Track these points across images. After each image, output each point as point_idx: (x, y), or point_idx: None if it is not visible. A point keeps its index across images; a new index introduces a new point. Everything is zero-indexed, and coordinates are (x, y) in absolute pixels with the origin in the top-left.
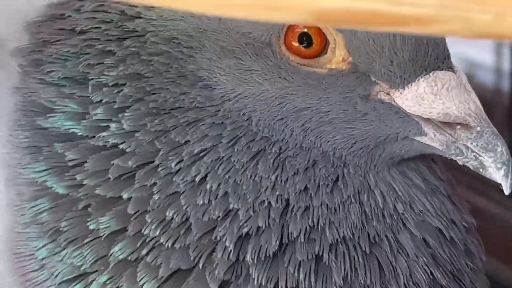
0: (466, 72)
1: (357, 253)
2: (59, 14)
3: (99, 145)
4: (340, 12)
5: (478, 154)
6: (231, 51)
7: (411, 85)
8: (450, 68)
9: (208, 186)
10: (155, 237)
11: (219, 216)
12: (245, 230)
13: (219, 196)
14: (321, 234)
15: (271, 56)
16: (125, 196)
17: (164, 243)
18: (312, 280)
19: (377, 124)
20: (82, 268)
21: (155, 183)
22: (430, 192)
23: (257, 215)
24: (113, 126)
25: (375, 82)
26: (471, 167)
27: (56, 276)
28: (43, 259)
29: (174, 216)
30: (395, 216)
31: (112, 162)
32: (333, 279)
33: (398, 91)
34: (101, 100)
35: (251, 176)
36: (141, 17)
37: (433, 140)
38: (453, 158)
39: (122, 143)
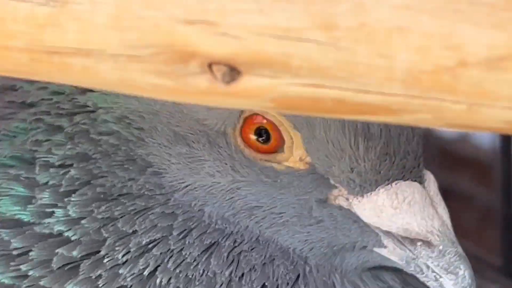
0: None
1: None
2: (10, 85)
3: (45, 233)
4: (304, 99)
5: (438, 274)
6: (183, 137)
7: (371, 194)
8: (419, 177)
9: (158, 281)
10: None
11: None
12: None
13: None
14: None
15: (225, 146)
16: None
17: None
18: None
19: (333, 232)
20: None
21: (100, 275)
22: None
23: None
24: (59, 212)
25: (334, 186)
26: None
27: None
28: None
29: None
30: None
31: (56, 251)
32: None
33: (357, 198)
34: (47, 182)
35: (203, 270)
36: (93, 91)
37: (392, 253)
38: (414, 274)
39: (67, 230)
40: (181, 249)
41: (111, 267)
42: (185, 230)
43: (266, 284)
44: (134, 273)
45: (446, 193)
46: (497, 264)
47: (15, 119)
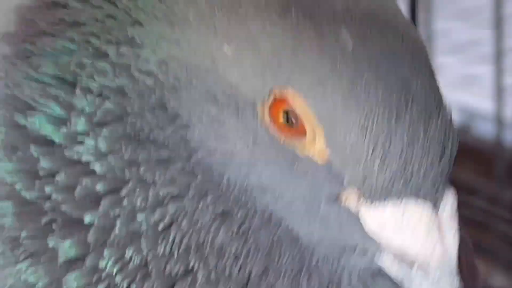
0: (463, 122)
1: None
2: (63, 3)
3: (74, 159)
4: None
5: None
6: (215, 98)
7: (379, 205)
8: (434, 199)
9: (171, 237)
10: (110, 274)
11: (178, 273)
12: None
13: (181, 250)
14: None
15: (252, 117)
16: (87, 219)
17: (118, 283)
18: None
19: (336, 232)
20: (36, 287)
21: (118, 215)
22: None
23: (217, 283)
24: (89, 141)
25: (346, 186)
26: None
27: None
28: None
29: (134, 257)
30: None
31: (81, 180)
32: None
33: (366, 205)
34: (83, 109)
35: (212, 238)
36: (142, 25)
37: (388, 268)
38: None
39: (95, 161)
40: (194, 212)
41: (129, 210)
42: (201, 192)
43: (269, 267)
44: (149, 223)
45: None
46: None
47: (62, 37)
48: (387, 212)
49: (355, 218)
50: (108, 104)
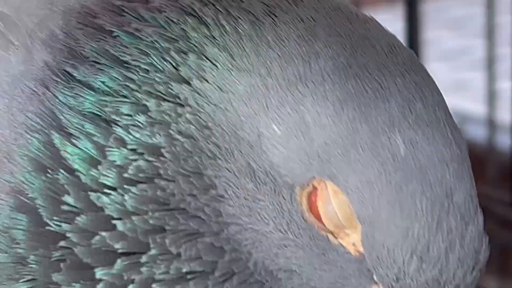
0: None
1: None
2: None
3: (97, 205)
4: None
5: None
6: (254, 174)
7: None
8: None
9: None
10: None
11: None
12: None
13: None
14: None
15: (288, 200)
16: (98, 274)
17: None
18: None
19: None
20: None
21: (133, 281)
22: None
23: None
24: (116, 197)
25: (375, 282)
26: None
27: None
28: None
29: None
30: None
31: (100, 232)
32: None
33: None
34: (114, 161)
35: None
36: (189, 83)
37: None
38: None
39: (118, 219)
40: None
41: (146, 279)
42: (227, 273)
43: None
44: None
45: None
46: None
47: (106, 73)
48: None
49: None
50: (141, 162)
